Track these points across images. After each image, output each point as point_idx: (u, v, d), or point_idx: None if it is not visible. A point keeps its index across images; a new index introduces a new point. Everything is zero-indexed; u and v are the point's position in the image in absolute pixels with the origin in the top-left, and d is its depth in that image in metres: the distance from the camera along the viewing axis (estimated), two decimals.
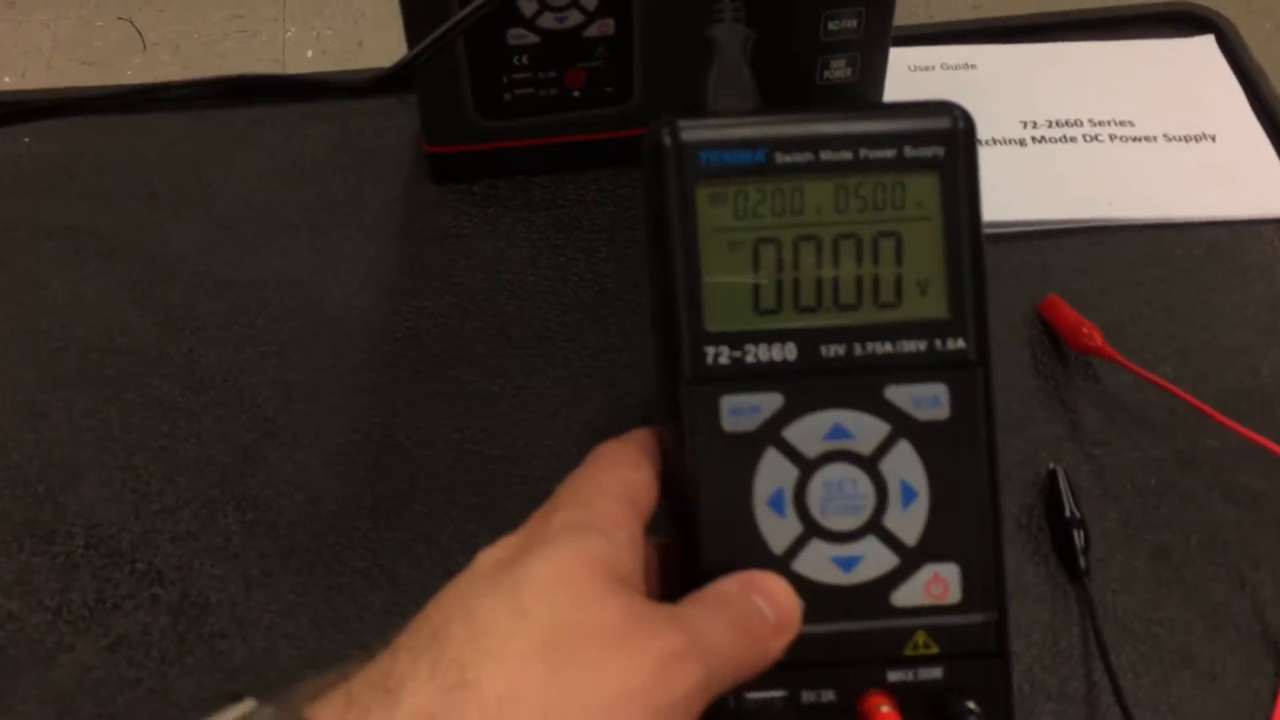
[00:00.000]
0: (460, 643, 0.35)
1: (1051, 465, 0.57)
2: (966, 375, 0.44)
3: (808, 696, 0.43)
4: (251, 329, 0.62)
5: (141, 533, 0.55)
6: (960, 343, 0.44)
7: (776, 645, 0.41)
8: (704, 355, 0.43)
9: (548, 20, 0.62)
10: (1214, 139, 0.73)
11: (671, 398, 0.43)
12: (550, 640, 0.36)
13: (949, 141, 0.44)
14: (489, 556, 0.39)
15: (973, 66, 0.77)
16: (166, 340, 0.61)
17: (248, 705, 0.34)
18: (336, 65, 1.92)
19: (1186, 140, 0.73)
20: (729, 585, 0.41)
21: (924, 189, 0.44)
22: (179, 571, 0.54)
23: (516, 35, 0.62)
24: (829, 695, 0.43)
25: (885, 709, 0.42)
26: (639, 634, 0.37)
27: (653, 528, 0.53)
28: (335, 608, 0.53)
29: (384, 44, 1.91)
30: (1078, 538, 0.55)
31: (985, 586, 0.43)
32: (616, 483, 0.42)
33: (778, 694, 0.43)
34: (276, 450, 0.58)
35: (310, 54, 1.93)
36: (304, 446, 0.58)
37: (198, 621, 0.53)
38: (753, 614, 0.41)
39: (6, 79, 1.87)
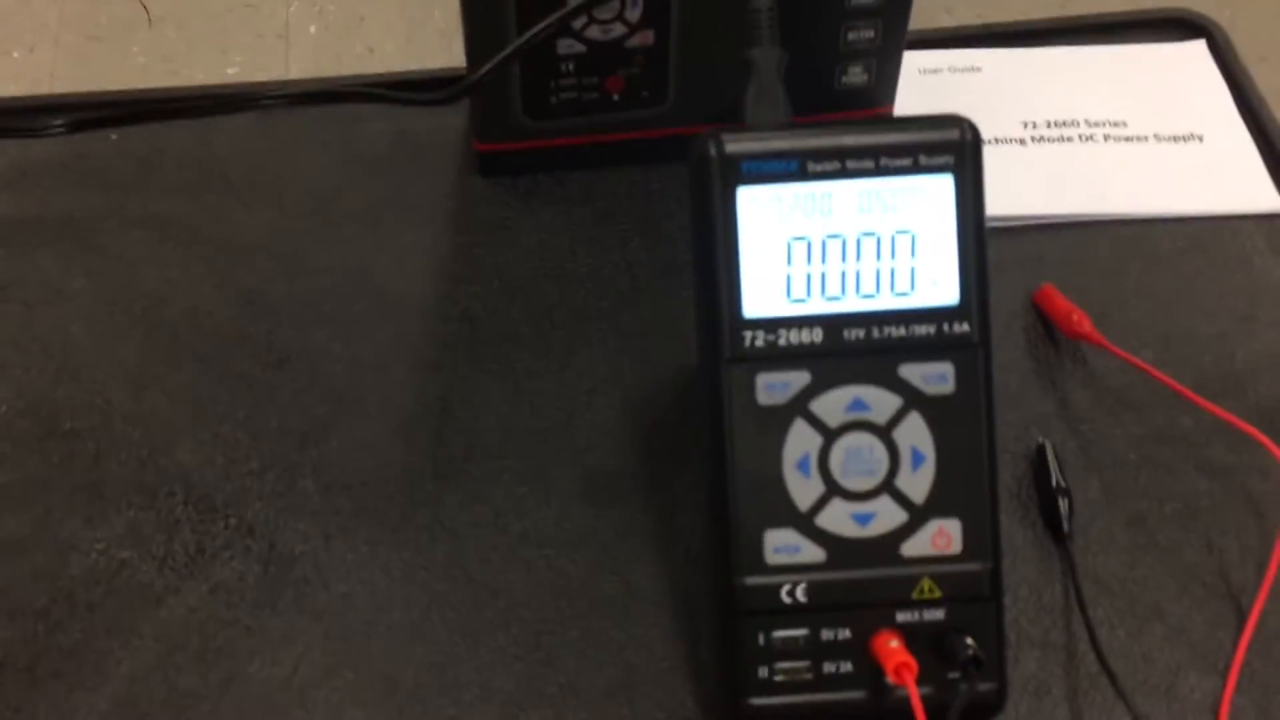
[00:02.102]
0: None
1: (1041, 439, 0.60)
2: (970, 356, 0.49)
3: (826, 634, 0.48)
4: (321, 311, 0.65)
5: (233, 492, 0.59)
6: (965, 327, 0.49)
7: None
8: (742, 338, 0.48)
9: (594, 32, 0.65)
10: (1201, 139, 0.76)
11: (713, 375, 0.48)
12: None
13: (958, 151, 0.49)
14: None
15: (977, 69, 0.79)
16: (247, 321, 0.65)
17: None
18: (339, 40, 1.88)
19: (1175, 140, 0.76)
20: None
21: (936, 193, 0.49)
22: (267, 526, 0.58)
23: (566, 45, 0.65)
24: (845, 633, 0.48)
25: (894, 644, 0.47)
26: None
27: (690, 502, 0.57)
28: (403, 558, 0.57)
29: (385, 18, 1.90)
30: (1063, 505, 0.58)
31: (983, 539, 0.48)
32: None
33: (801, 632, 0.48)
34: (348, 420, 0.61)
35: (313, 29, 1.91)
36: (372, 417, 0.62)
37: (285, 569, 0.57)
38: None
39: (15, 54, 1.85)
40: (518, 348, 0.65)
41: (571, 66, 0.67)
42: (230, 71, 1.86)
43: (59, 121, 0.69)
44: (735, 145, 0.48)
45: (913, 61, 0.77)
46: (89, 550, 0.57)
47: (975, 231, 0.49)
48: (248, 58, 1.87)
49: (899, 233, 0.49)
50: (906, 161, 0.49)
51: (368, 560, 0.57)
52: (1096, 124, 0.77)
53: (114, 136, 0.73)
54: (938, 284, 0.49)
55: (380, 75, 0.76)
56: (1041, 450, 0.60)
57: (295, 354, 0.64)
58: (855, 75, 0.70)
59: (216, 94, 0.74)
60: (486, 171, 0.72)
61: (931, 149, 0.49)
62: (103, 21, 1.90)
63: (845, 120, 0.50)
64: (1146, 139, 0.76)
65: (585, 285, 0.68)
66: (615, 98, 0.69)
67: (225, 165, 0.72)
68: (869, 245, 0.49)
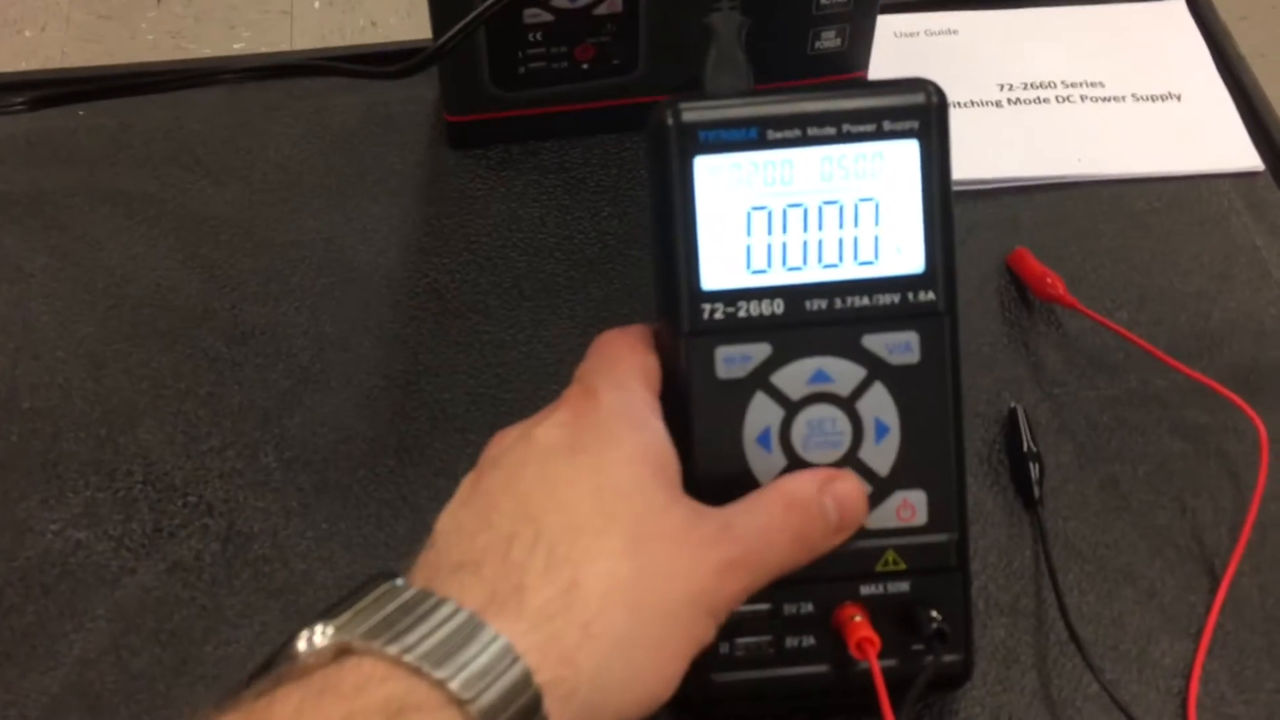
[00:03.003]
0: (565, 540, 0.40)
1: (1013, 404, 0.60)
2: (935, 324, 0.48)
3: (789, 608, 0.48)
4: (288, 285, 0.65)
5: (192, 470, 0.58)
6: (930, 295, 0.48)
7: (827, 546, 0.45)
8: (701, 311, 0.47)
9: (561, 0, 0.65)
10: (1179, 98, 0.76)
11: (672, 349, 0.47)
12: (634, 543, 0.41)
13: (923, 116, 0.47)
14: (549, 437, 0.44)
15: (954, 32, 0.79)
16: (211, 296, 0.64)
17: (404, 589, 0.39)
18: (342, 15, 1.93)
19: (1153, 100, 0.75)
20: (807, 487, 0.45)
21: (901, 159, 0.48)
22: (226, 504, 0.57)
23: (532, 14, 0.65)
24: (808, 607, 0.47)
25: (858, 619, 0.47)
26: (699, 542, 0.42)
27: None
28: (365, 535, 0.57)
29: None
30: (1033, 470, 0.58)
31: (948, 510, 0.48)
32: (638, 367, 0.46)
33: (763, 606, 0.47)
34: (311, 395, 0.61)
35: (317, 4, 1.95)
36: (336, 392, 0.61)
37: (244, 548, 0.56)
38: (815, 521, 0.45)
39: (27, 33, 1.89)
40: (485, 320, 0.65)
41: (539, 35, 0.66)
42: (236, 47, 1.91)
43: (24, 98, 0.68)
44: (693, 114, 0.47)
45: (888, 25, 0.77)
46: (44, 531, 0.57)
47: (941, 198, 0.48)
48: (254, 33, 1.91)
49: (862, 200, 0.48)
50: (869, 127, 0.47)
51: (329, 537, 0.57)
52: (1074, 85, 0.77)
53: (81, 112, 0.72)
54: (902, 252, 0.48)
55: (346, 48, 0.75)
56: (1013, 414, 0.60)
57: (260, 329, 0.64)
58: (828, 40, 0.70)
59: (181, 69, 0.73)
60: (457, 143, 0.72)
61: (896, 114, 0.48)
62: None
63: (807, 86, 0.49)
64: (1124, 99, 0.76)
65: (555, 256, 0.67)
66: (585, 66, 0.69)
67: (194, 140, 0.72)
68: (831, 214, 0.48)
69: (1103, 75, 0.77)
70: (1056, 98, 0.76)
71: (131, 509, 0.58)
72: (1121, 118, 0.75)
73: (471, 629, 0.38)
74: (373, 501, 0.58)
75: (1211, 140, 0.74)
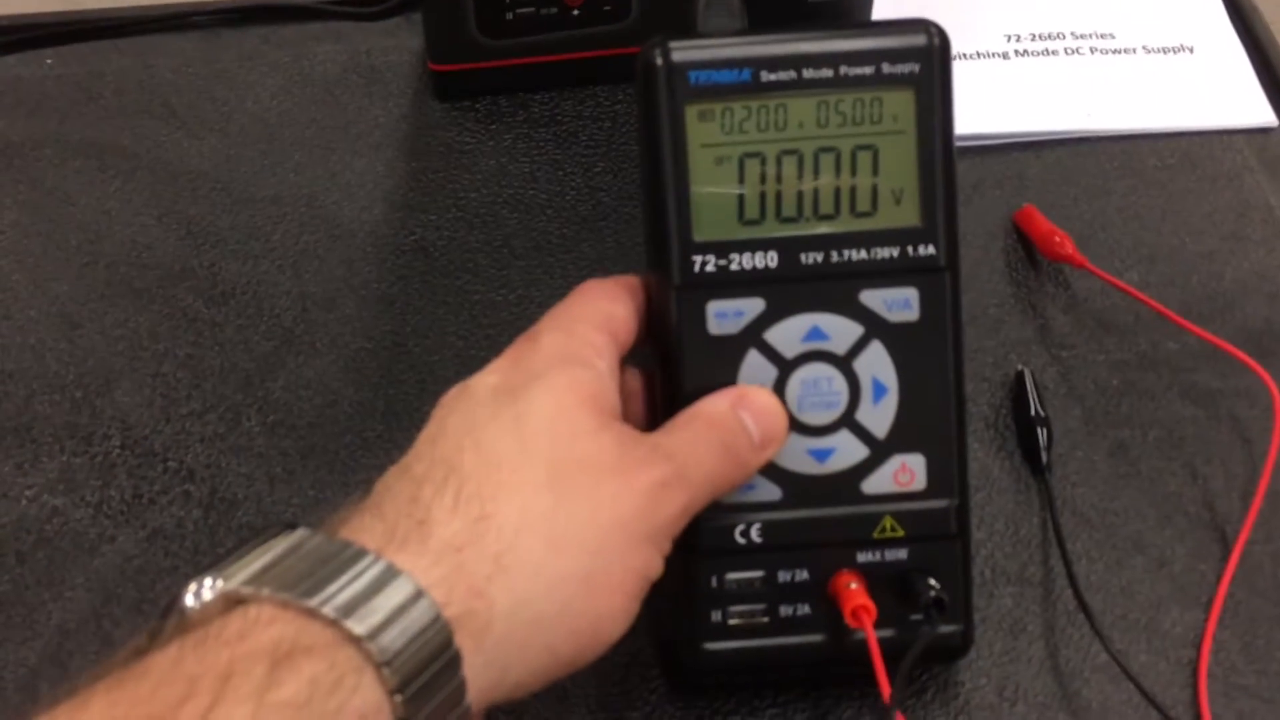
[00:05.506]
0: (477, 476, 0.39)
1: (1020, 367, 0.59)
2: (936, 280, 0.46)
3: (784, 576, 0.46)
4: (269, 243, 0.63)
5: (172, 434, 0.57)
6: (931, 249, 0.46)
7: (757, 461, 0.44)
8: (692, 263, 0.45)
9: None
10: (1192, 50, 0.74)
11: (661, 303, 0.46)
12: (554, 473, 0.39)
13: (925, 58, 0.46)
14: (484, 383, 0.42)
15: None
16: (189, 254, 0.63)
17: (300, 534, 0.37)
18: None
19: (1165, 52, 0.74)
20: (720, 404, 0.44)
21: (900, 104, 0.46)
22: (208, 470, 0.56)
23: None
24: (803, 575, 0.46)
25: (854, 586, 0.45)
26: (629, 465, 0.40)
27: None
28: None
29: None
30: (1041, 435, 0.56)
31: (948, 474, 0.46)
32: (597, 313, 0.45)
33: (757, 574, 0.46)
34: (295, 357, 0.60)
35: None
36: (321, 354, 0.60)
37: (227, 515, 0.55)
38: (739, 435, 0.43)
39: None
40: (474, 279, 0.63)
41: None
42: None
43: None
44: (683, 54, 0.45)
45: None
46: (19, 497, 0.55)
47: (943, 146, 0.46)
48: None
49: (860, 148, 0.46)
50: (868, 70, 0.45)
51: (314, 504, 0.55)
52: (1083, 36, 0.75)
53: (49, 60, 0.70)
54: (901, 203, 0.46)
55: None
56: (1020, 378, 0.59)
57: (240, 288, 0.62)
58: None
59: (154, 13, 0.71)
60: (443, 94, 0.70)
61: (896, 56, 0.46)
62: None
63: (803, 26, 0.47)
64: (1135, 51, 0.75)
65: (546, 212, 0.66)
66: (575, 13, 0.67)
67: (167, 90, 0.70)
68: (827, 161, 0.46)
69: (1113, 26, 0.76)
70: (1065, 49, 0.75)
71: (109, 474, 0.56)
72: (1132, 70, 0.73)
73: (368, 567, 0.36)
74: (360, 467, 0.57)
75: (1224, 95, 0.72)
